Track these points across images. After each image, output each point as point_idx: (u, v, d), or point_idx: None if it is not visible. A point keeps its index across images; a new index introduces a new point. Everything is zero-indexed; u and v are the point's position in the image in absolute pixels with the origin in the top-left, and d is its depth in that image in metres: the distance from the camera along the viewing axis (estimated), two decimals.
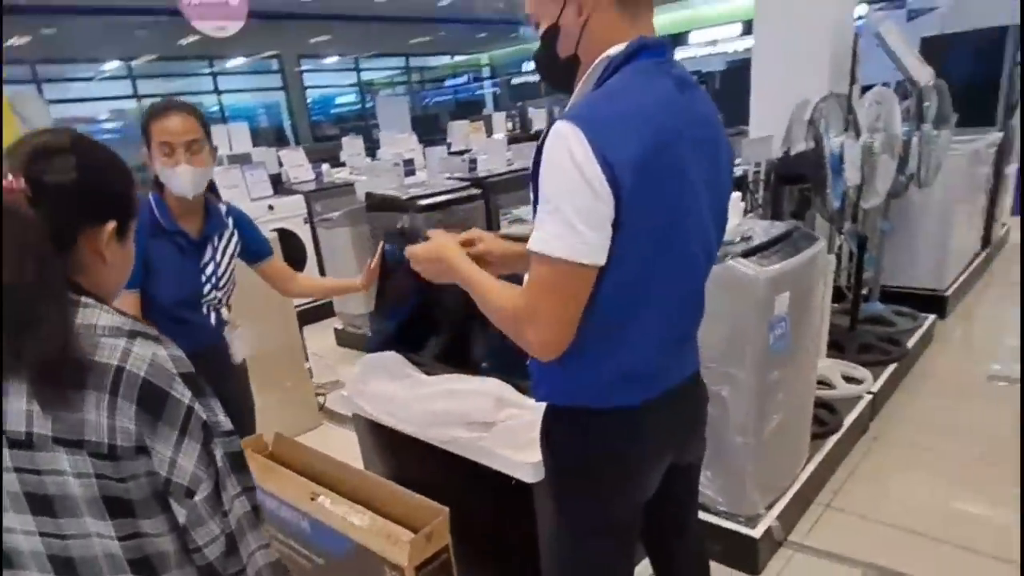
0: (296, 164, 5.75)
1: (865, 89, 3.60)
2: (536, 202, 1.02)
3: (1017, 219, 6.07)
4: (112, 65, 11.94)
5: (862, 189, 2.57)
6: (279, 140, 13.95)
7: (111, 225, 0.89)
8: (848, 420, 2.72)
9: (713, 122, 1.13)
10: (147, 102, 12.76)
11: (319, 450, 1.93)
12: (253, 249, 1.99)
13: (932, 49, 4.70)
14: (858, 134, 2.51)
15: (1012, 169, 5.48)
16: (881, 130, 2.75)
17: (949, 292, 4.18)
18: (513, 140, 6.25)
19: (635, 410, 1.15)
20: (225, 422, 0.91)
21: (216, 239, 1.86)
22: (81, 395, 0.80)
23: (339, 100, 18.36)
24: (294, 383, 3.34)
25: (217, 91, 13.53)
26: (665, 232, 1.04)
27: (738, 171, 2.96)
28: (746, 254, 2.00)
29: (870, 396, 2.94)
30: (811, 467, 2.42)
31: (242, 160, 5.60)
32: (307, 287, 2.20)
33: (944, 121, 3.36)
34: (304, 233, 5.20)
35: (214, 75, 13.54)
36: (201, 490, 0.85)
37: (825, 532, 2.32)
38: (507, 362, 1.83)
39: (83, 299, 0.85)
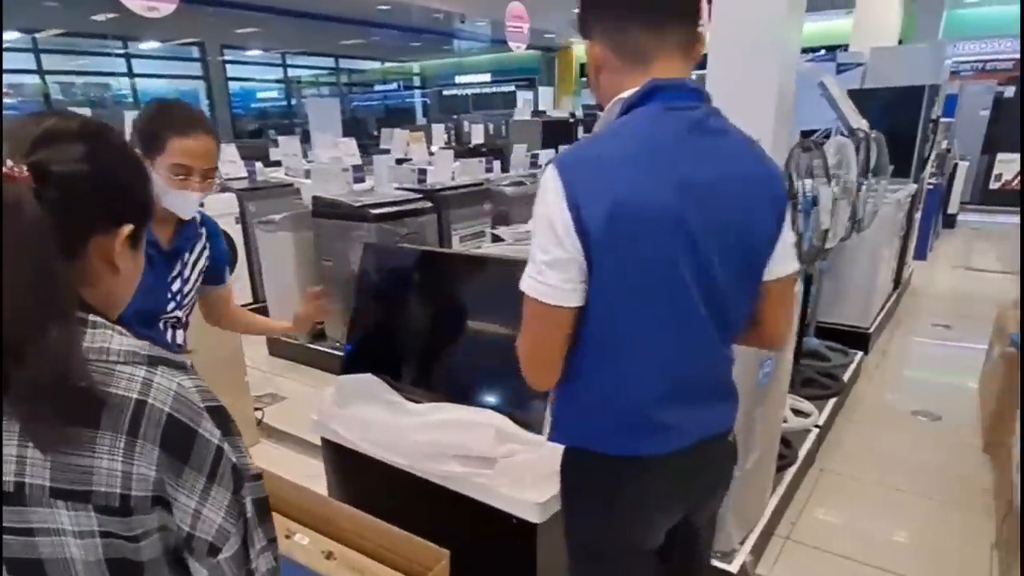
0: (228, 160, 5.40)
1: (805, 134, 3.80)
2: None
3: (918, 263, 6.62)
4: (12, 36, 10.84)
5: (827, 232, 2.69)
6: None
7: (127, 229, 0.75)
8: (802, 453, 2.82)
9: (734, 170, 1.07)
10: (53, 79, 11.63)
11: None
12: (219, 267, 1.77)
13: (856, 102, 5.04)
14: (829, 180, 2.63)
15: (917, 216, 5.97)
16: (839, 177, 2.89)
17: (872, 329, 4.46)
18: (457, 154, 6.16)
19: (634, 460, 1.13)
20: (253, 464, 0.79)
21: (187, 253, 1.67)
22: (92, 436, 0.66)
23: (260, 95, 17.62)
24: (233, 397, 3.08)
25: (131, 73, 12.57)
26: (647, 280, 1.02)
27: None
28: None
29: (816, 429, 3.06)
30: (774, 500, 2.48)
31: None
32: (240, 322, 1.92)
33: (882, 171, 3.59)
34: (236, 234, 4.90)
35: (128, 56, 12.58)
36: (228, 547, 0.74)
37: (787, 565, 2.37)
38: (479, 390, 1.75)
39: (92, 318, 0.71)
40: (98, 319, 0.72)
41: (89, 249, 0.73)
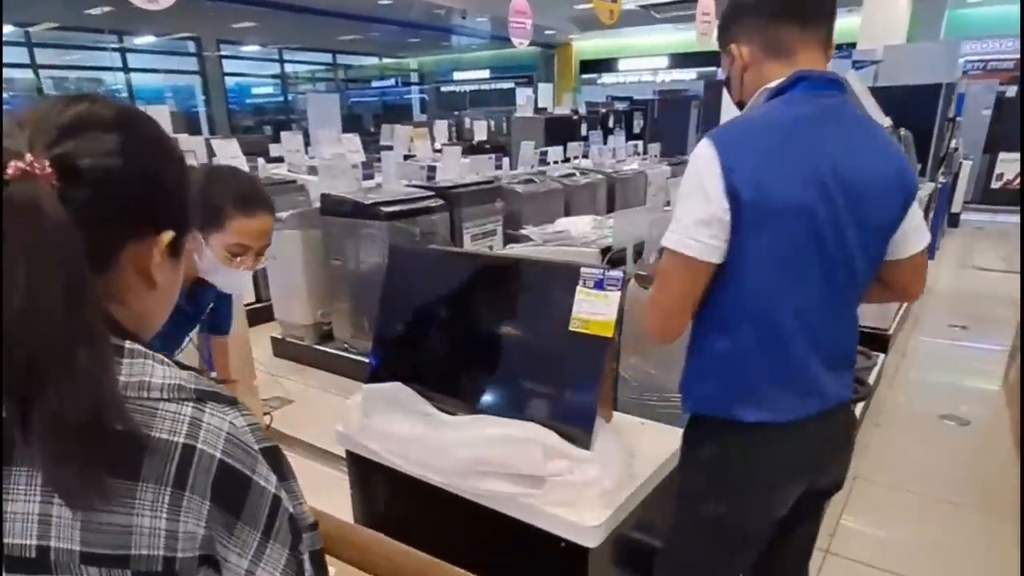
0: (230, 156, 5.24)
1: None
2: None
3: (928, 262, 6.55)
4: (6, 29, 10.60)
5: None
6: (190, 127, 12.97)
7: (167, 236, 0.64)
8: None
9: (866, 156, 1.15)
10: (46, 74, 11.43)
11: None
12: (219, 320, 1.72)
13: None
14: None
15: (931, 216, 5.90)
16: None
17: (891, 331, 4.37)
18: (464, 151, 6.03)
19: (773, 427, 1.19)
20: (308, 511, 0.68)
21: (206, 311, 1.60)
22: (131, 488, 0.55)
23: (255, 91, 17.44)
24: (243, 401, 2.95)
25: (126, 68, 12.34)
26: (786, 247, 1.11)
27: None
28: None
29: None
30: None
31: None
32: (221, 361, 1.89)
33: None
34: None
35: (123, 51, 12.35)
36: None
37: None
38: (519, 403, 1.64)
39: (128, 345, 0.60)
40: (135, 347, 0.60)
41: (122, 259, 0.61)
